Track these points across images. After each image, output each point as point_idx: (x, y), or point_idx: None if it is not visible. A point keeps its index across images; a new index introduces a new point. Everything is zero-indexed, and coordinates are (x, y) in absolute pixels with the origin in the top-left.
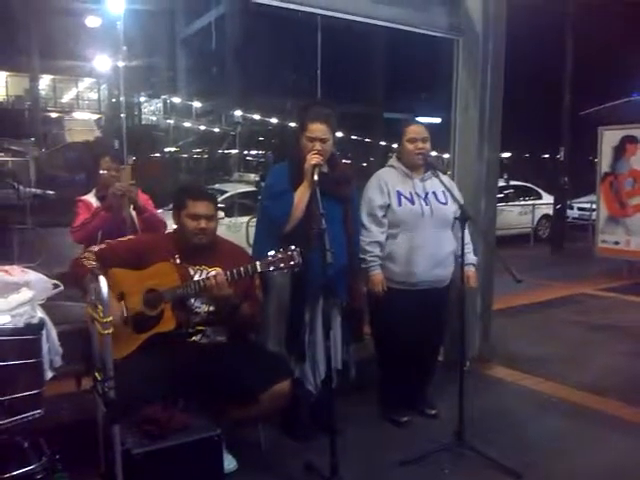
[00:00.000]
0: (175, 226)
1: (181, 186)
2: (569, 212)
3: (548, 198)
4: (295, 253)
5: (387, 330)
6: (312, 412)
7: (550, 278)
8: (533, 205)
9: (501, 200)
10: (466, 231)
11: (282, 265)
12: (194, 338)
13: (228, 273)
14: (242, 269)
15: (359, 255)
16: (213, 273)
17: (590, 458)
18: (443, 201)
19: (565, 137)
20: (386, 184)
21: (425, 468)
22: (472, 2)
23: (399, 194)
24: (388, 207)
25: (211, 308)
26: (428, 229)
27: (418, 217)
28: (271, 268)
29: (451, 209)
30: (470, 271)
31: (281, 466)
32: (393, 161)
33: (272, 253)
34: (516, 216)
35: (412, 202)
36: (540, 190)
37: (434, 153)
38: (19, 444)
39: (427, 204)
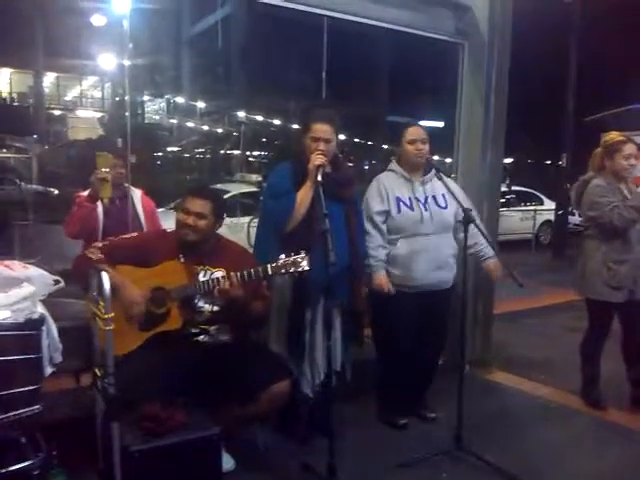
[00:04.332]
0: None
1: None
2: (571, 218)
3: (550, 204)
4: (306, 259)
5: (388, 332)
6: (310, 413)
7: (551, 284)
8: (535, 211)
9: (503, 205)
10: (475, 230)
11: (293, 269)
12: (197, 338)
13: (239, 275)
14: (253, 271)
15: (364, 258)
16: (220, 274)
17: (589, 464)
18: (443, 205)
19: (568, 143)
20: (385, 189)
21: (423, 472)
22: (479, 7)
23: (398, 200)
24: (388, 213)
25: (215, 308)
26: (427, 235)
27: (417, 223)
28: (282, 271)
29: (451, 213)
30: (491, 263)
31: (279, 467)
32: (393, 165)
33: (283, 256)
34: (518, 221)
35: (411, 208)
36: (542, 196)
37: (436, 157)
38: (16, 439)
39: (426, 209)
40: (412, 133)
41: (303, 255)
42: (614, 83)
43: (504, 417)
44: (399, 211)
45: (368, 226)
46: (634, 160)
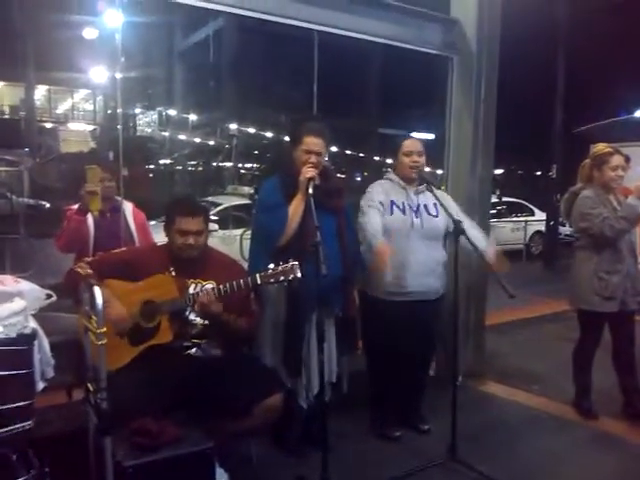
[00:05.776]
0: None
1: (172, 200)
2: (561, 229)
3: (540, 215)
4: (295, 267)
5: (378, 342)
6: (304, 426)
7: (543, 294)
8: (525, 221)
9: (494, 216)
10: (474, 233)
11: (282, 278)
12: (189, 352)
13: (228, 285)
14: (242, 281)
15: (356, 267)
16: (210, 286)
17: (582, 474)
18: (434, 214)
19: (557, 154)
20: (385, 193)
21: None
22: (467, 20)
23: (392, 203)
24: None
25: (207, 320)
26: (417, 240)
27: (408, 228)
28: (271, 280)
29: (442, 222)
30: (490, 252)
31: None
32: (390, 175)
33: (272, 266)
34: (509, 232)
35: (403, 212)
36: (532, 207)
37: (428, 169)
38: (7, 456)
39: (417, 216)
40: (408, 145)
41: (293, 264)
42: (603, 95)
43: (498, 428)
44: (391, 213)
45: (367, 209)
46: (622, 171)
